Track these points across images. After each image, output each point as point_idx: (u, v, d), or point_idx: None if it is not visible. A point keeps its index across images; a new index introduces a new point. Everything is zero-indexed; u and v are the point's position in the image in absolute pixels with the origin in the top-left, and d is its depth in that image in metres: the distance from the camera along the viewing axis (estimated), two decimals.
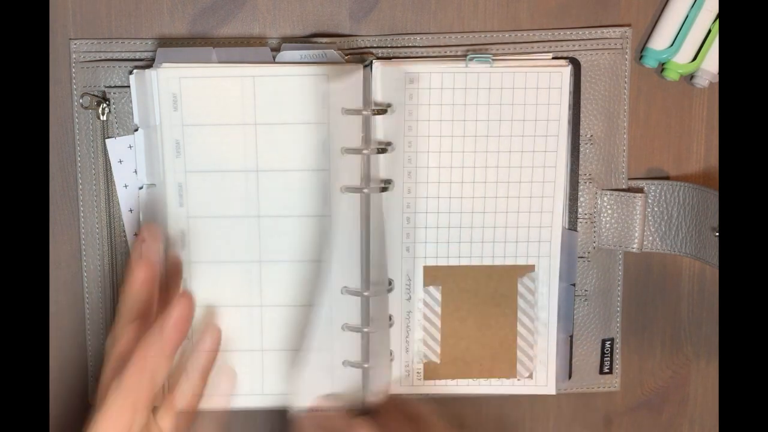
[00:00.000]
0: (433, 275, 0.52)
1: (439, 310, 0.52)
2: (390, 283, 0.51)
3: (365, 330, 0.50)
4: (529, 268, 0.52)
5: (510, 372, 0.52)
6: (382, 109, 0.49)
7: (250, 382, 0.51)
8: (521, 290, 0.52)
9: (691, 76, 0.52)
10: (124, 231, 0.52)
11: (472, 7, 0.52)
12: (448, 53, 0.51)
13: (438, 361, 0.53)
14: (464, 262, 0.52)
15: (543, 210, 0.51)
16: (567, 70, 0.50)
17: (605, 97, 0.51)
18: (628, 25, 0.51)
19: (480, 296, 0.52)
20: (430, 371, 0.53)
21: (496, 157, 0.51)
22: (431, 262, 0.52)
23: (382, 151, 0.49)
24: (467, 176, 0.51)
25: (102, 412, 0.43)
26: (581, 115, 0.51)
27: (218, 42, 0.52)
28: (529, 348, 0.52)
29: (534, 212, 0.51)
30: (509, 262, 0.52)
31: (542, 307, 0.52)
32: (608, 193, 0.52)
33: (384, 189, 0.50)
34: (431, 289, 0.52)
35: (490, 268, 0.52)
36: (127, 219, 0.52)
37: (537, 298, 0.52)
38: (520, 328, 0.52)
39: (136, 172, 0.51)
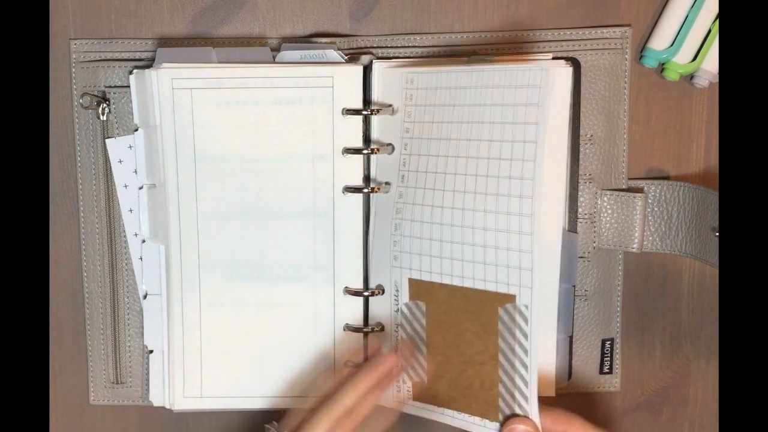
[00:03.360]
0: (417, 289, 0.49)
1: (424, 326, 0.49)
2: (382, 291, 0.50)
3: (366, 330, 0.51)
4: (510, 298, 0.46)
5: (492, 413, 0.47)
6: (382, 109, 0.49)
7: (252, 382, 0.51)
8: (501, 329, 0.46)
9: (691, 76, 0.52)
10: (124, 231, 0.52)
11: (472, 7, 0.52)
12: (448, 53, 0.51)
13: (425, 381, 0.49)
14: (446, 280, 0.47)
15: (521, 231, 0.45)
16: (568, 71, 0.46)
17: (605, 97, 0.51)
18: (628, 25, 0.51)
19: (463, 322, 0.47)
20: (418, 392, 0.49)
21: (475, 164, 0.46)
22: (416, 275, 0.48)
23: (380, 150, 0.49)
24: (453, 184, 0.47)
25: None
26: (581, 115, 0.51)
27: (218, 42, 0.52)
28: (511, 388, 0.46)
29: (512, 232, 0.45)
30: (490, 287, 0.46)
31: (523, 348, 0.46)
32: (608, 193, 0.52)
33: (380, 189, 0.49)
34: (417, 303, 0.49)
35: (470, 292, 0.47)
36: (127, 219, 0.52)
37: (518, 337, 0.46)
38: (501, 370, 0.46)
39: (136, 172, 0.51)
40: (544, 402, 0.46)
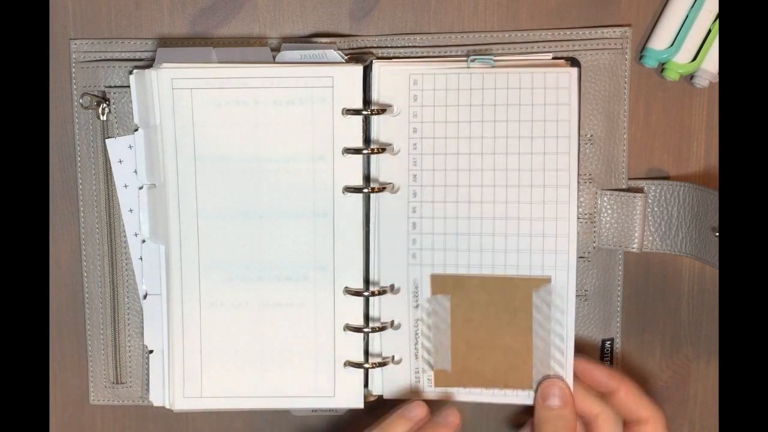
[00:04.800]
0: (441, 284, 0.50)
1: (448, 319, 0.50)
2: (393, 288, 0.51)
3: (366, 330, 0.51)
4: (545, 281, 0.49)
5: (526, 383, 0.50)
6: (382, 109, 0.49)
7: (252, 382, 0.51)
8: (537, 303, 0.49)
9: (691, 76, 0.52)
10: (124, 231, 0.52)
11: (472, 7, 0.52)
12: (448, 53, 0.51)
13: (449, 369, 0.51)
14: (474, 271, 0.50)
15: (558, 217, 0.49)
16: (574, 72, 0.48)
17: (605, 97, 0.51)
18: (628, 25, 0.51)
19: (492, 308, 0.50)
20: (441, 379, 0.51)
21: (504, 159, 0.49)
22: (439, 270, 0.50)
23: (381, 150, 0.49)
24: (475, 179, 0.49)
25: None
26: (581, 115, 0.51)
27: (218, 42, 0.52)
28: (546, 357, 0.50)
29: (548, 219, 0.49)
30: (523, 272, 0.49)
31: (559, 321, 0.49)
32: (608, 193, 0.52)
33: (381, 189, 0.49)
34: (440, 297, 0.50)
35: (502, 280, 0.49)
36: (127, 219, 0.52)
37: (553, 312, 0.49)
38: (535, 340, 0.50)
39: (136, 172, 0.51)
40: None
